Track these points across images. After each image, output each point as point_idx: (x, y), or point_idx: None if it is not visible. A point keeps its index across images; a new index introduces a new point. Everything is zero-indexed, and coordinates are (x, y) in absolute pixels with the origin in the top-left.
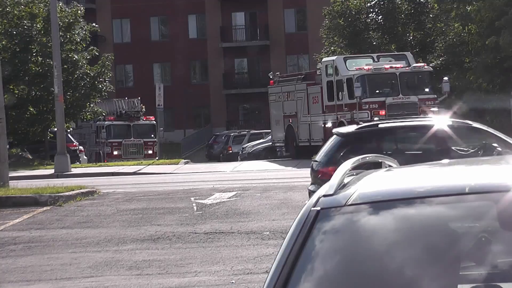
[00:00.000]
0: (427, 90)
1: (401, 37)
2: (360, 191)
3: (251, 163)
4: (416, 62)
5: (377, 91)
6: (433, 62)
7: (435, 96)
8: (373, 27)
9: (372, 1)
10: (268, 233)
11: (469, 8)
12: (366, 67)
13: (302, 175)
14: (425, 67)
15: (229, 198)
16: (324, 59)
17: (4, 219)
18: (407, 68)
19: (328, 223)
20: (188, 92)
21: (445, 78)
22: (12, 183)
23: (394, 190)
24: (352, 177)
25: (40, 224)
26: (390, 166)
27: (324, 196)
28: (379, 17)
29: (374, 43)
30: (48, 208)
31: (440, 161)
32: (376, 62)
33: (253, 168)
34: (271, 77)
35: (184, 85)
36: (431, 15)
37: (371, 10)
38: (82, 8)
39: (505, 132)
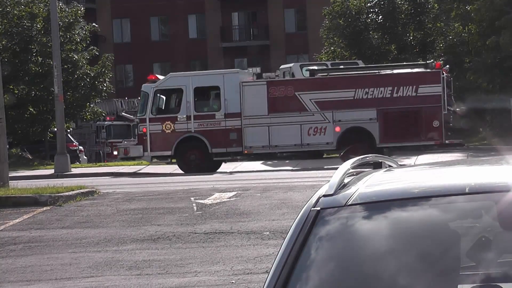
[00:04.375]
0: None
1: (401, 37)
2: (361, 191)
3: (251, 163)
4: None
5: None
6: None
7: None
8: (373, 27)
9: (372, 1)
10: (268, 233)
11: (469, 8)
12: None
13: (302, 175)
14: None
15: (229, 198)
16: (281, 66)
17: (4, 219)
18: None
19: (328, 223)
20: None
21: None
22: (12, 183)
23: (395, 190)
24: (352, 177)
25: (40, 224)
26: (390, 166)
27: (324, 196)
28: (379, 17)
29: (374, 43)
30: (48, 208)
31: (440, 161)
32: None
33: (253, 168)
34: None
35: None
36: (431, 15)
37: (371, 10)
38: (82, 8)
39: (505, 132)
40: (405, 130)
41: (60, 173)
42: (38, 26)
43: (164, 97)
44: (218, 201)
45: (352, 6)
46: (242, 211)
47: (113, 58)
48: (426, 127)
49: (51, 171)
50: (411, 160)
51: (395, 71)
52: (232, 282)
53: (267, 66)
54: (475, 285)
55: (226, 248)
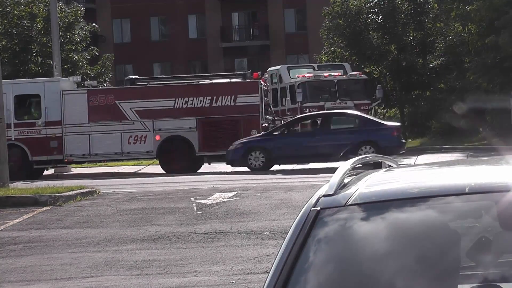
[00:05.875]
0: (362, 95)
1: (401, 37)
2: (361, 191)
3: None
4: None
5: (317, 97)
6: (433, 62)
7: (369, 101)
8: (373, 27)
9: (372, 1)
10: (268, 233)
11: (469, 8)
12: (307, 75)
13: (302, 175)
14: (360, 75)
15: (229, 198)
16: (269, 69)
17: (4, 219)
18: (344, 76)
19: (328, 223)
20: None
21: (378, 85)
22: (12, 183)
23: (395, 190)
24: (352, 177)
25: (40, 224)
26: (390, 166)
27: (324, 196)
28: (379, 17)
29: (374, 43)
30: (48, 208)
31: (440, 161)
32: (316, 70)
33: None
34: None
35: None
36: (431, 15)
37: (371, 10)
38: (82, 8)
39: (505, 132)
40: (224, 139)
41: (60, 173)
42: (38, 26)
43: None
44: (218, 201)
45: (352, 6)
46: (242, 211)
47: (113, 58)
48: (244, 136)
49: (51, 171)
50: (411, 160)
51: (214, 81)
52: (232, 282)
53: (267, 66)
54: (475, 285)
55: (226, 248)
